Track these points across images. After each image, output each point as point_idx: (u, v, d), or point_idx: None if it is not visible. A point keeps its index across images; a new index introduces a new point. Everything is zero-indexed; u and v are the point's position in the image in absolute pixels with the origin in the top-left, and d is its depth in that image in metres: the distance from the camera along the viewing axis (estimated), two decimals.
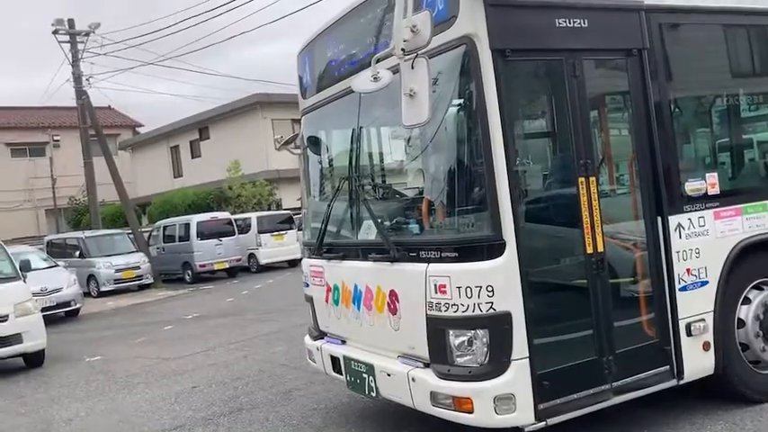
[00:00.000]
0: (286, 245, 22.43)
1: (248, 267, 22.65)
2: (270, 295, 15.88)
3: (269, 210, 26.41)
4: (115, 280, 19.69)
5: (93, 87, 22.97)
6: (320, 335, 5.38)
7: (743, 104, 5.23)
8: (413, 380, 4.15)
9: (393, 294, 4.35)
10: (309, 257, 5.53)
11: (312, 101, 5.53)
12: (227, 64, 43.34)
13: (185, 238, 21.69)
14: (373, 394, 4.59)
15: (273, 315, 12.07)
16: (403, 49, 3.56)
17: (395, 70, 3.77)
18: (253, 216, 23.37)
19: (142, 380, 8.10)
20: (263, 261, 22.37)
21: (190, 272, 21.57)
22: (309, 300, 5.55)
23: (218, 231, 21.60)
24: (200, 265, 21.18)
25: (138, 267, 20.21)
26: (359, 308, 4.73)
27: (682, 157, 4.68)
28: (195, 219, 22.05)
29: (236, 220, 22.53)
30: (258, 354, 8.72)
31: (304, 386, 6.66)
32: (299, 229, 21.19)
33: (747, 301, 4.68)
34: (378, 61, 3.75)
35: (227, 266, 21.63)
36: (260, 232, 22.35)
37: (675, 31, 4.64)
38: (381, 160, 5.25)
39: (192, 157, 34.07)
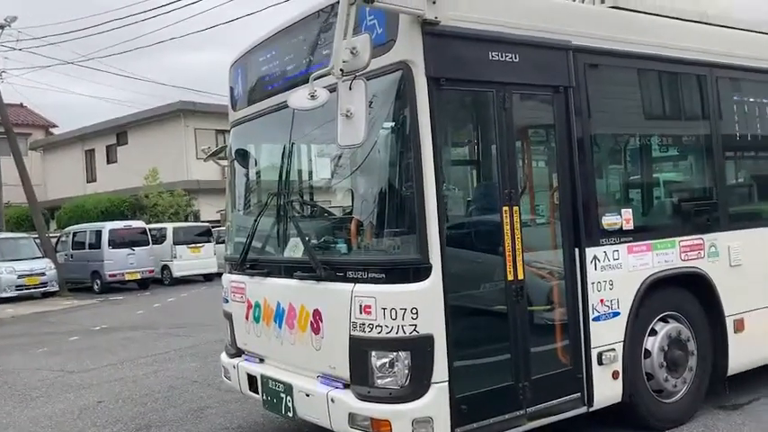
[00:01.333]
0: (202, 258, 21.92)
1: (161, 279, 21.96)
2: (183, 309, 15.43)
3: (186, 221, 25.76)
4: (17, 286, 18.68)
5: (5, 82, 21.87)
6: (237, 352, 5.27)
7: (655, 145, 5.54)
8: (332, 401, 4.12)
9: (317, 313, 4.32)
10: (231, 273, 5.43)
11: (243, 113, 5.46)
12: (152, 69, 42.37)
13: (96, 245, 20.83)
14: (290, 414, 4.53)
15: (186, 330, 11.72)
16: (342, 70, 3.59)
17: (332, 89, 3.78)
18: (169, 226, 22.73)
19: (43, 393, 7.67)
20: (177, 273, 21.76)
21: (99, 281, 20.71)
22: (228, 316, 5.44)
23: (131, 240, 20.88)
24: (111, 275, 20.39)
25: (44, 274, 19.28)
26: (280, 326, 4.68)
27: (600, 192, 4.88)
28: (108, 226, 21.23)
29: (150, 230, 21.83)
30: (169, 369, 8.43)
31: (217, 404, 6.49)
32: (217, 243, 20.78)
33: (654, 332, 4.91)
34: (315, 79, 3.75)
35: (139, 277, 20.91)
36: (175, 243, 21.75)
37: (599, 72, 4.87)
38: (311, 177, 5.23)
39: (108, 162, 32.86)
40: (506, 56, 4.27)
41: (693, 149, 5.63)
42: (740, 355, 5.31)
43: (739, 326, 5.30)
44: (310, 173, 5.22)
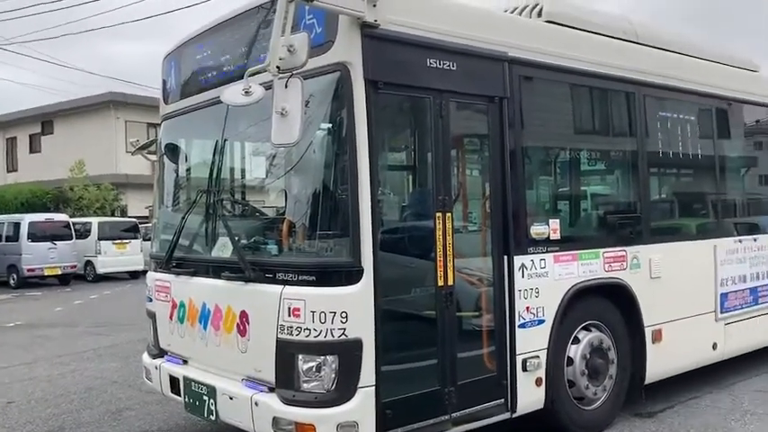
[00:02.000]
0: (128, 255, 21.25)
1: (84, 276, 21.15)
2: (105, 307, 14.91)
3: (113, 216, 24.93)
4: None
5: None
6: (160, 353, 5.11)
7: (584, 159, 5.69)
8: (256, 404, 4.04)
9: (244, 315, 4.23)
10: (156, 271, 5.27)
11: (174, 107, 5.32)
12: (83, 57, 40.74)
13: (14, 238, 19.88)
14: (212, 417, 4.41)
15: (108, 328, 11.32)
16: (278, 67, 3.53)
17: (267, 86, 3.72)
18: (94, 221, 21.95)
19: None
20: (100, 270, 21.01)
21: (15, 275, 19.78)
22: (151, 315, 5.27)
23: (52, 234, 20.02)
24: (29, 269, 19.51)
25: None
26: (205, 327, 4.56)
27: (530, 202, 4.97)
28: (27, 218, 20.31)
29: (74, 224, 20.99)
30: (87, 369, 8.11)
31: (137, 406, 6.27)
32: (144, 239, 20.19)
33: (577, 340, 5.03)
34: (251, 75, 3.68)
35: (60, 273, 20.07)
36: (100, 239, 21.01)
37: (533, 85, 4.96)
38: (244, 176, 5.12)
39: (31, 152, 31.51)
40: (444, 63, 4.30)
41: (620, 164, 5.82)
42: (657, 365, 5.51)
43: (657, 336, 5.49)
44: (242, 171, 5.12)
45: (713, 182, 6.45)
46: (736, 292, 6.32)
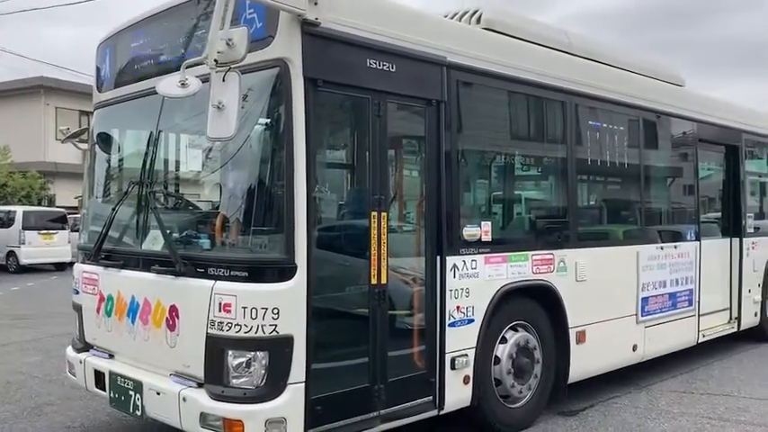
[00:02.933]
0: (55, 245, 20.49)
1: (6, 266, 20.29)
2: (28, 299, 14.34)
3: (39, 205, 23.99)
4: None
5: None
6: (85, 347, 4.99)
7: (517, 164, 5.86)
8: (183, 399, 3.99)
9: (173, 309, 4.18)
10: (84, 262, 5.13)
11: (108, 96, 5.19)
12: (13, 40, 39.00)
13: None
14: (138, 413, 4.34)
15: (30, 322, 10.90)
16: (216, 61, 3.50)
17: (204, 79, 3.68)
18: (18, 210, 21.05)
19: None
20: (24, 261, 20.19)
21: None
22: (77, 308, 5.13)
23: None
24: None
25: None
26: (134, 321, 4.47)
27: (463, 203, 5.08)
28: None
29: None
30: (8, 363, 7.79)
31: (59, 401, 6.08)
32: (73, 230, 19.53)
33: (504, 340, 5.17)
34: (188, 67, 3.64)
35: None
36: (25, 228, 20.16)
37: (470, 90, 5.08)
38: (178, 169, 5.05)
39: None
40: (384, 64, 4.35)
41: (550, 171, 6.00)
42: (580, 365, 5.72)
43: (581, 337, 5.70)
44: (177, 164, 5.04)
45: (638, 191, 6.73)
46: (656, 296, 6.62)
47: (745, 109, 8.75)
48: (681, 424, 5.46)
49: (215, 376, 3.91)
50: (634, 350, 6.39)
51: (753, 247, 8.32)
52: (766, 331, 8.75)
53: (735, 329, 8.12)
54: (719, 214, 8.34)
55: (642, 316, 6.45)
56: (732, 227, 8.17)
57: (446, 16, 5.62)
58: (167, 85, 3.71)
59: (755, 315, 8.44)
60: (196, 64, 3.63)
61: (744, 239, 8.16)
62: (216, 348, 3.91)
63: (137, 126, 5.08)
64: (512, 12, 5.89)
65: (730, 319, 8.09)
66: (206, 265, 4.08)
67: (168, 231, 4.38)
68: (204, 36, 3.79)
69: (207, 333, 3.93)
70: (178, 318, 4.15)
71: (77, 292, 5.14)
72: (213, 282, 3.97)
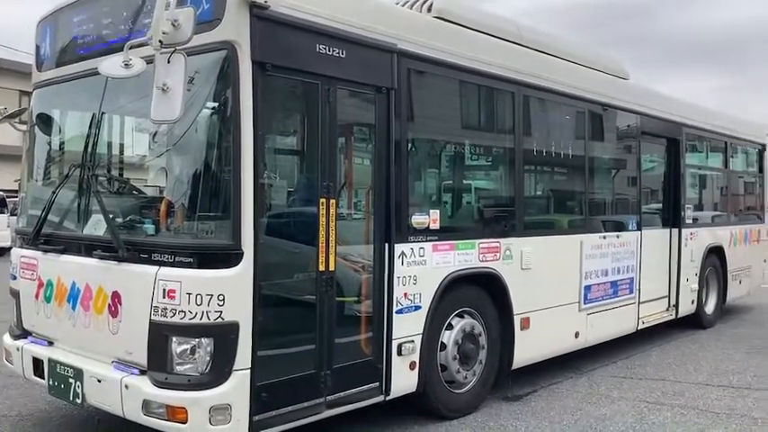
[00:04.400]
0: None
1: None
2: None
3: None
4: None
5: None
6: (23, 334, 4.85)
7: (467, 153, 5.92)
8: (126, 387, 3.93)
9: (116, 296, 4.10)
10: (22, 247, 4.98)
11: (49, 75, 5.02)
12: None
13: None
14: (78, 401, 4.25)
15: None
16: (161, 42, 3.43)
17: (149, 60, 3.60)
18: None
19: None
20: None
21: None
22: (15, 294, 4.98)
23: None
24: None
25: None
26: (74, 307, 4.37)
27: (412, 192, 5.11)
28: None
29: None
30: None
31: None
32: (12, 214, 18.87)
33: (450, 326, 5.25)
34: (131, 48, 3.55)
35: None
36: None
37: (421, 78, 5.10)
38: (121, 152, 4.93)
39: None
40: (334, 50, 4.33)
41: (498, 160, 6.09)
42: (524, 351, 5.84)
43: (525, 324, 5.82)
44: (120, 146, 4.92)
45: (583, 181, 6.89)
46: (598, 284, 6.81)
47: (686, 103, 9.03)
48: (620, 408, 5.64)
49: (158, 363, 3.86)
50: (576, 337, 6.57)
51: (691, 238, 8.63)
52: (702, 319, 9.11)
53: (673, 317, 8.42)
54: (660, 205, 8.61)
55: (584, 303, 6.62)
56: (672, 218, 8.45)
57: (397, 3, 5.62)
58: (110, 65, 3.62)
59: (692, 303, 8.77)
60: (140, 45, 3.55)
61: (683, 230, 8.45)
62: (159, 335, 3.86)
63: (78, 107, 4.94)
64: (462, 2, 5.93)
65: (669, 306, 8.39)
66: (150, 251, 4.01)
67: (111, 216, 4.28)
68: (149, 16, 3.70)
69: (150, 319, 3.87)
70: (121, 304, 4.08)
71: (15, 278, 4.99)
72: (157, 268, 3.90)
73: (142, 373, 3.93)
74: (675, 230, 8.42)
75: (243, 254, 3.83)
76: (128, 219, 4.37)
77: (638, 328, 7.64)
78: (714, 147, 9.87)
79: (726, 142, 9.98)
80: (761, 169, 11.54)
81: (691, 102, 9.27)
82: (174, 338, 3.83)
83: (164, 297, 3.83)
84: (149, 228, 4.22)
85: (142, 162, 4.91)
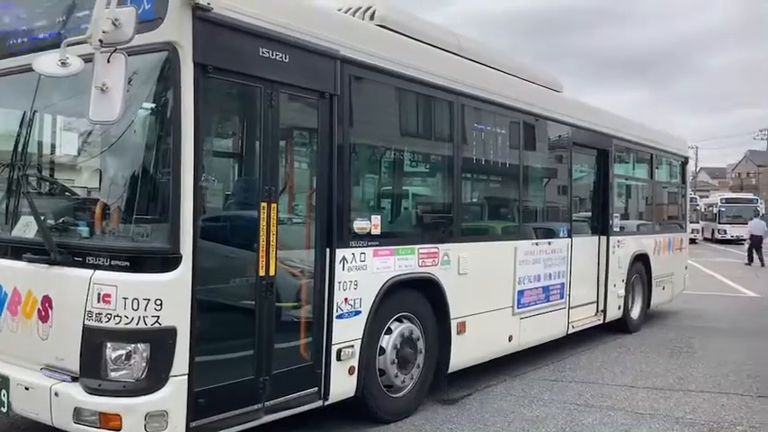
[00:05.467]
0: None
1: None
2: None
3: None
4: None
5: None
6: None
7: (407, 160, 6.00)
8: (55, 394, 3.80)
9: (46, 300, 3.96)
10: None
11: None
12: None
13: None
14: (4, 410, 4.08)
15: None
16: (101, 41, 3.35)
17: (86, 59, 3.51)
18: None
19: None
20: None
21: None
22: None
23: None
24: None
25: None
26: (0, 312, 4.20)
27: (354, 197, 5.14)
28: None
29: None
30: None
31: None
32: None
33: (389, 331, 5.30)
34: (69, 45, 3.45)
35: None
36: None
37: (363, 84, 5.14)
38: (54, 152, 4.78)
39: None
40: (277, 54, 4.32)
41: (437, 167, 6.19)
42: (461, 354, 5.96)
43: (461, 328, 5.94)
44: (54, 146, 4.77)
45: (518, 189, 7.08)
46: (531, 289, 7.01)
47: (616, 116, 9.41)
48: (551, 410, 5.81)
49: (92, 369, 3.75)
50: (510, 340, 6.74)
51: (618, 245, 8.99)
52: (628, 324, 9.49)
53: (601, 321, 8.75)
54: (590, 214, 8.94)
55: (518, 308, 6.80)
56: (601, 226, 8.78)
57: (339, 10, 5.65)
58: (46, 63, 3.51)
59: (619, 308, 9.13)
60: (79, 42, 3.46)
61: (611, 238, 8.79)
62: (93, 340, 3.75)
63: (9, 104, 4.76)
64: (404, 11, 6.02)
65: (597, 311, 8.71)
66: (84, 254, 3.90)
67: (42, 217, 4.13)
68: (87, 12, 3.63)
69: (84, 324, 3.76)
70: (52, 309, 3.95)
71: None
72: (92, 271, 3.80)
73: (74, 379, 3.82)
74: (604, 238, 8.76)
75: (182, 258, 3.78)
76: (61, 221, 4.23)
77: (569, 332, 7.90)
78: (640, 158, 10.32)
79: (651, 154, 10.44)
80: (683, 180, 12.14)
81: (620, 115, 9.66)
82: (108, 344, 3.73)
83: (98, 301, 3.73)
84: (84, 230, 4.12)
85: (77, 162, 4.76)
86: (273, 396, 4.35)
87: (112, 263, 3.80)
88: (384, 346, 5.24)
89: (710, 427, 5.47)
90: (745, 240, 27.69)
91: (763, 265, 23.30)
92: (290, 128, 4.86)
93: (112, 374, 3.73)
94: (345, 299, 4.81)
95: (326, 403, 4.75)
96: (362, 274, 4.94)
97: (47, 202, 4.50)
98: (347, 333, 4.84)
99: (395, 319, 5.36)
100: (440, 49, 6.04)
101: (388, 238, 5.24)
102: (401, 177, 5.99)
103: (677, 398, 6.29)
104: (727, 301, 13.89)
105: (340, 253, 4.77)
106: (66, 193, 4.66)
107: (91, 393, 3.72)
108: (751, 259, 23.89)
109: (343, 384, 4.83)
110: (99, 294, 3.73)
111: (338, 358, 4.75)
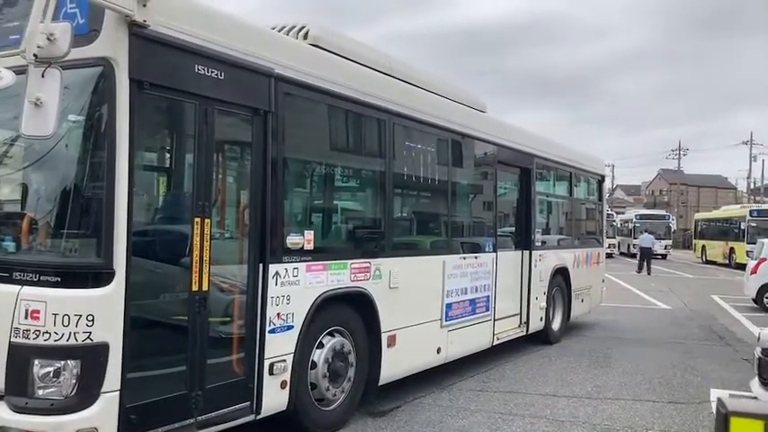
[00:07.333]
0: None
1: None
2: None
3: None
4: None
5: None
6: None
7: (339, 176, 6.12)
8: None
9: None
10: None
11: None
12: None
13: None
14: None
15: None
16: (35, 55, 3.33)
17: (18, 71, 3.48)
18: None
19: None
20: None
21: None
22: None
23: None
24: None
25: None
26: None
27: (288, 212, 5.22)
28: None
29: None
30: None
31: None
32: None
33: (321, 345, 5.37)
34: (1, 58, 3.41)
35: None
36: None
37: (296, 102, 5.22)
38: None
39: None
40: (212, 71, 4.38)
41: (369, 184, 6.34)
42: (391, 367, 6.09)
43: (392, 341, 6.08)
44: None
45: (446, 205, 7.31)
46: (458, 302, 7.23)
47: (537, 136, 9.83)
48: (477, 420, 6.01)
49: (18, 387, 3.68)
50: (438, 352, 6.93)
51: (540, 259, 9.38)
52: (549, 335, 9.89)
53: (524, 333, 9.09)
54: (513, 229, 9.30)
55: (446, 320, 7.01)
56: (523, 240, 9.15)
57: (274, 29, 5.74)
58: None
59: (541, 320, 9.51)
60: (10, 56, 3.42)
61: (533, 252, 9.16)
62: (20, 358, 3.68)
63: None
64: (337, 31, 6.17)
65: (520, 323, 9.04)
66: (10, 270, 3.82)
67: None
68: (19, 23, 3.59)
69: (10, 342, 3.68)
70: None
71: None
72: (19, 287, 3.73)
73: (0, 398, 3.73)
74: (527, 252, 9.12)
75: (114, 273, 3.76)
76: None
77: (494, 343, 8.17)
78: (560, 176, 10.80)
79: (571, 172, 10.95)
80: (600, 197, 12.75)
81: (541, 135, 10.10)
82: (36, 361, 3.66)
83: (26, 318, 3.66)
84: (9, 245, 4.03)
85: (3, 175, 4.65)
86: (206, 410, 4.35)
87: (41, 278, 3.74)
88: (316, 360, 5.31)
89: None
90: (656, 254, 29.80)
91: (649, 273, 25.37)
92: (225, 144, 4.90)
93: (40, 392, 3.66)
94: (278, 314, 4.87)
95: (259, 417, 4.78)
96: (295, 289, 5.01)
97: None
98: (279, 347, 4.89)
99: (327, 333, 5.44)
100: (371, 69, 6.20)
101: (320, 252, 5.32)
102: (334, 193, 6.10)
103: (595, 405, 6.62)
104: (642, 312, 14.62)
105: (273, 268, 4.82)
106: None
107: (17, 412, 3.64)
108: (641, 268, 26.15)
109: (275, 398, 4.87)
110: (27, 311, 3.67)
111: (270, 372, 4.80)
